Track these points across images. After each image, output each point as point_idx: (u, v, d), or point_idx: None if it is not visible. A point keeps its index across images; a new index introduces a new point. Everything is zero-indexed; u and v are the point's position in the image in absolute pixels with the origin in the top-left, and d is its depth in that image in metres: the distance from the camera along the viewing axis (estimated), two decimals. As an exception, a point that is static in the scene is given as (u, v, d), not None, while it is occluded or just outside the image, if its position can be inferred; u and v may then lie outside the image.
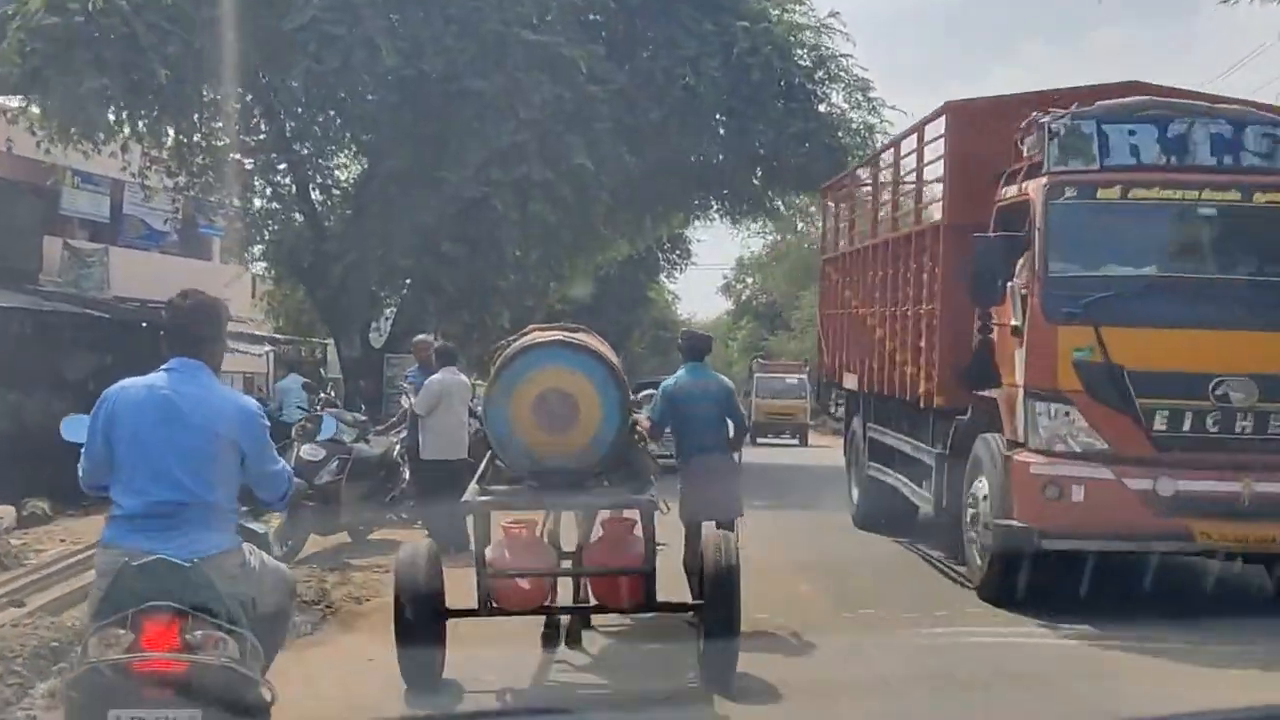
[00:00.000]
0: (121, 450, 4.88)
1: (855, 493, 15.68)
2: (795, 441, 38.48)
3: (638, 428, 8.37)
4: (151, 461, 4.84)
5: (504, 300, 25.04)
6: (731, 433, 9.53)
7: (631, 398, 8.05)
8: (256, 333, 29.93)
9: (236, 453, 4.96)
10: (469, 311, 25.25)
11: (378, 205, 22.23)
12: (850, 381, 15.83)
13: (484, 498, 7.55)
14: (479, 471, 7.99)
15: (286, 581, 5.52)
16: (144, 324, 22.56)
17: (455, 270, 22.00)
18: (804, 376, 40.10)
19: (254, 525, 5.60)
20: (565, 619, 8.37)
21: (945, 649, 8.96)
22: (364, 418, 15.11)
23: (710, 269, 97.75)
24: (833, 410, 19.92)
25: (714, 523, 9.05)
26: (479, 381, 39.19)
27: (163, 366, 5.01)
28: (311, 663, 8.00)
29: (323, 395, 16.11)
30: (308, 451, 12.48)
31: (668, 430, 9.35)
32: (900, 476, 13.59)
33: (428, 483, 13.06)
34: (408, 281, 23.16)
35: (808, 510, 17.39)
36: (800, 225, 51.14)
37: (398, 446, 13.79)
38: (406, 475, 13.71)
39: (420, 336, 14.47)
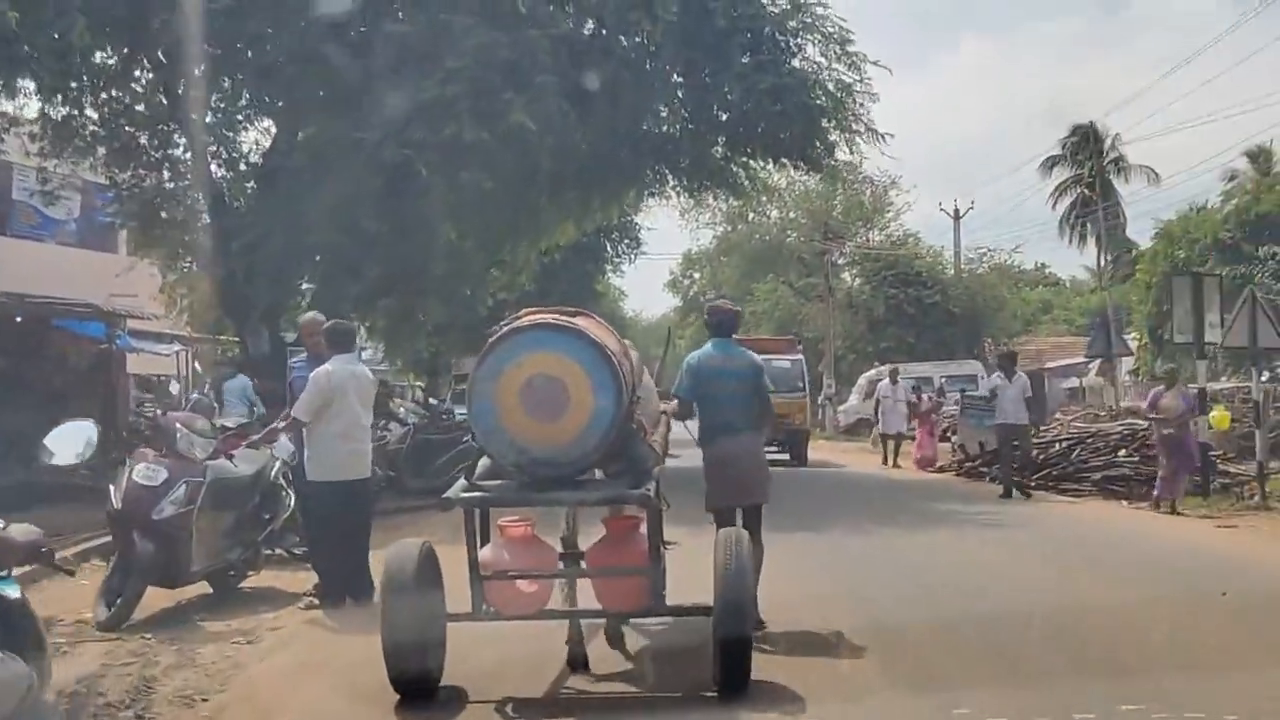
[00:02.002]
0: None
1: None
2: (786, 455, 26.32)
3: (664, 410, 8.14)
4: None
5: (438, 288, 21.32)
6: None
7: (641, 386, 7.40)
8: (165, 330, 26.05)
9: None
10: (397, 300, 21.58)
11: (286, 177, 18.54)
12: None
13: (469, 494, 6.88)
14: (470, 466, 7.13)
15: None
16: (18, 318, 19.28)
17: (376, 250, 18.27)
18: (799, 359, 28.27)
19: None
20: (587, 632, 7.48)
21: None
22: (231, 425, 11.29)
23: (659, 258, 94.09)
24: None
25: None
26: (417, 384, 34.98)
27: None
28: None
29: (197, 395, 12.23)
30: (142, 473, 8.75)
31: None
32: None
33: (316, 513, 9.37)
34: (320, 264, 19.30)
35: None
36: (751, 215, 47.89)
37: (277, 463, 10.01)
38: (291, 502, 9.94)
39: (308, 315, 10.49)
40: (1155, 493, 15.97)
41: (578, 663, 7.27)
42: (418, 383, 43.68)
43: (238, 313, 19.92)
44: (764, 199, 45.57)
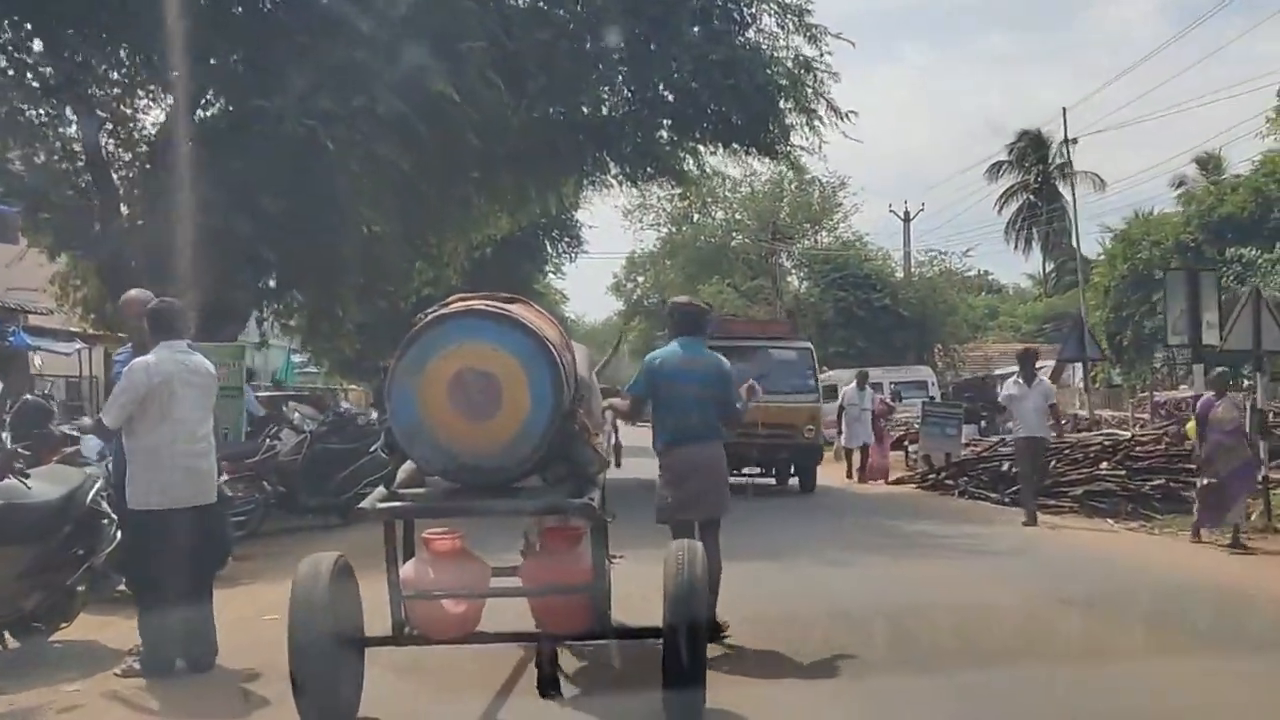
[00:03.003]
0: None
1: None
2: (773, 480, 20.35)
3: (610, 409, 7.63)
4: None
5: (355, 279, 18.95)
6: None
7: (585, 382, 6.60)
8: (70, 328, 23.58)
9: None
10: (310, 293, 19.25)
11: (180, 151, 16.25)
12: None
13: (388, 504, 6.01)
14: (390, 473, 6.41)
15: None
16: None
17: (280, 235, 15.93)
18: (807, 347, 20.94)
19: None
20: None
21: None
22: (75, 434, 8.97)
23: (600, 258, 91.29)
24: None
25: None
26: (351, 387, 32.29)
27: None
28: None
29: (27, 396, 9.86)
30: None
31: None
32: None
33: (139, 550, 7.08)
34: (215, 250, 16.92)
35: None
36: (696, 216, 45.81)
37: (97, 483, 7.69)
38: (117, 533, 7.62)
39: (131, 292, 8.07)
40: (1196, 520, 13.23)
41: (547, 685, 6.40)
42: (351, 386, 41.20)
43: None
44: (709, 200, 43.54)
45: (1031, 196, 60.87)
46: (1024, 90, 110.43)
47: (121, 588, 8.46)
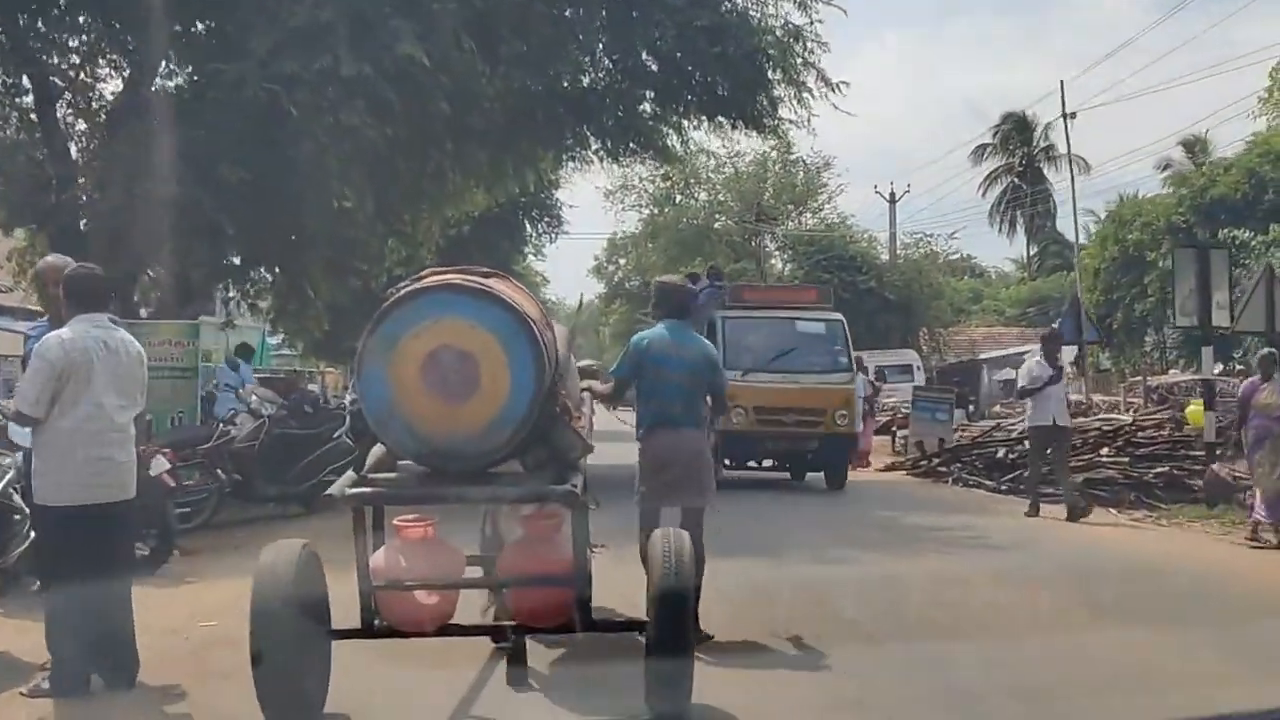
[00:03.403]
0: None
1: None
2: (788, 474, 18.03)
3: (588, 391, 7.37)
4: None
5: (323, 254, 18.04)
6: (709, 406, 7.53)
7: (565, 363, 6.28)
8: (25, 306, 22.71)
9: None
10: (276, 271, 18.38)
11: (140, 124, 15.42)
12: None
13: (358, 489, 5.69)
14: (359, 458, 6.09)
15: None
16: None
17: (242, 205, 15.04)
18: (838, 319, 17.75)
19: None
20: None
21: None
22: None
23: (581, 238, 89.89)
24: None
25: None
26: (329, 370, 31.08)
27: None
28: None
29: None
30: None
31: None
32: None
33: (50, 551, 6.22)
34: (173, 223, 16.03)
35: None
36: (678, 198, 44.99)
37: (8, 474, 6.83)
38: (31, 530, 6.76)
39: (48, 258, 7.26)
40: (1252, 516, 12.08)
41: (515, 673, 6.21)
42: (328, 369, 40.26)
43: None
44: (692, 180, 42.75)
45: (1016, 179, 60.23)
46: (1009, 73, 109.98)
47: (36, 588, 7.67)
